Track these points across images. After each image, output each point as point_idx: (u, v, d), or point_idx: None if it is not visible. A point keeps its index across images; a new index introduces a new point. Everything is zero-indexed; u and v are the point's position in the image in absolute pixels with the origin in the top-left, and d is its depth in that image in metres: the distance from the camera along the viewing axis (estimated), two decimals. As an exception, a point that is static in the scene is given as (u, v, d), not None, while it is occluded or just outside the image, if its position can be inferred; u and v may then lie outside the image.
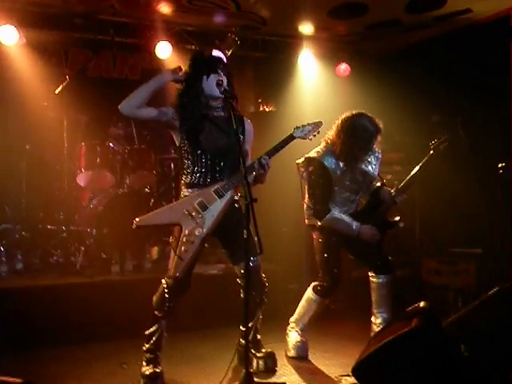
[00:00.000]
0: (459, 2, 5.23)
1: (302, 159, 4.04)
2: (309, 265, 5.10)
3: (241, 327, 3.64)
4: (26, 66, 5.67)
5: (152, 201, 5.37)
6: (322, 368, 3.86)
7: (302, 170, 4.03)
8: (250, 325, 3.54)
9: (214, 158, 3.46)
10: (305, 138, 3.56)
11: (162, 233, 5.21)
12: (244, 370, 3.13)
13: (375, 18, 5.65)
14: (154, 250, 5.39)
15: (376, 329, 3.96)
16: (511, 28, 5.12)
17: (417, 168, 4.08)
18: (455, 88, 5.60)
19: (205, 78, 3.45)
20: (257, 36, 6.29)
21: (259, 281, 3.57)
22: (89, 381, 3.63)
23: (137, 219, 3.37)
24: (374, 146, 4.01)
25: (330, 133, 3.99)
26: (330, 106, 5.12)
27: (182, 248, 3.35)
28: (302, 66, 6.41)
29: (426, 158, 4.08)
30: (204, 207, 3.39)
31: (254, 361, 3.70)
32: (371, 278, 4.07)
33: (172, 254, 3.43)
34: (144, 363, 3.52)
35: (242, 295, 3.55)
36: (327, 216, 3.91)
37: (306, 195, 4.05)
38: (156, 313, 3.48)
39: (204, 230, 3.37)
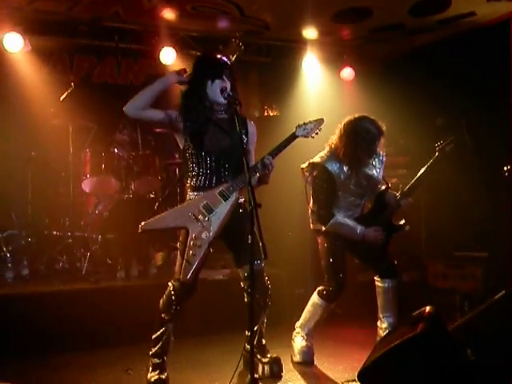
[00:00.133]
0: (463, 6, 5.24)
1: (307, 164, 4.03)
2: (314, 269, 5.09)
3: (246, 332, 3.62)
4: (31, 72, 5.68)
5: (157, 204, 5.38)
6: (328, 373, 3.85)
7: (307, 174, 4.02)
8: (255, 328, 3.51)
9: (218, 159, 3.45)
10: (307, 137, 3.53)
11: (167, 238, 5.22)
12: (249, 376, 3.10)
13: (379, 22, 5.65)
14: (159, 256, 5.39)
15: (382, 333, 3.95)
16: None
17: (423, 170, 4.06)
18: (459, 91, 5.59)
19: (209, 82, 3.45)
20: (261, 41, 6.29)
21: (262, 284, 3.56)
22: (94, 387, 3.64)
23: (142, 223, 3.37)
24: (378, 149, 3.99)
25: (333, 137, 3.98)
26: (335, 110, 5.10)
27: (190, 252, 3.33)
28: (307, 71, 6.40)
29: (431, 160, 4.06)
30: (210, 210, 3.39)
31: (260, 366, 3.69)
32: (377, 283, 4.07)
33: (179, 257, 3.43)
34: (150, 369, 3.52)
35: (245, 299, 3.55)
36: (331, 221, 3.90)
37: (311, 200, 4.05)
38: (163, 316, 3.48)
39: (211, 234, 3.37)
